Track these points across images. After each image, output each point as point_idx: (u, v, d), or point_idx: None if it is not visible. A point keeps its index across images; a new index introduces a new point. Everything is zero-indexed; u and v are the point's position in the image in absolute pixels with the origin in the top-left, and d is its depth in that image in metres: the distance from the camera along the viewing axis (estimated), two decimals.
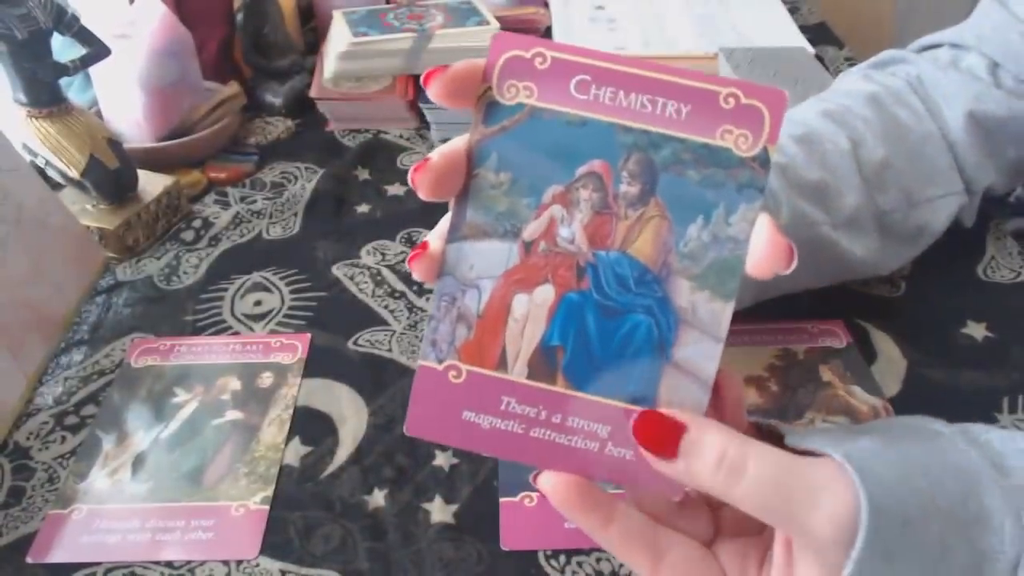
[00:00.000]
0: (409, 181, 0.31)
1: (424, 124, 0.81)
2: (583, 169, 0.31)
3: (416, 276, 0.32)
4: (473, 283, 0.32)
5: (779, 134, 0.30)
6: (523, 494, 0.45)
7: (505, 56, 0.31)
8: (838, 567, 0.29)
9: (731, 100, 0.30)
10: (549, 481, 0.31)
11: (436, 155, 0.31)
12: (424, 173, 0.30)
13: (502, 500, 0.45)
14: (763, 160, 0.30)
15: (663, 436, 0.30)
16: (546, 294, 0.32)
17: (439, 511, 0.45)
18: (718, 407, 0.32)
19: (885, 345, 0.54)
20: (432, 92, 0.31)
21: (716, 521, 0.35)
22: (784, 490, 0.29)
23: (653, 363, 0.31)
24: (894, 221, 0.54)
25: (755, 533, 0.34)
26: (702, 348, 0.31)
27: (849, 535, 0.29)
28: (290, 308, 0.59)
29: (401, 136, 0.80)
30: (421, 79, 0.31)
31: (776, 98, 0.30)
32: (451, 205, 0.32)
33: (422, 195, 0.31)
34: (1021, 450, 0.32)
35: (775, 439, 0.32)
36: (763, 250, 0.30)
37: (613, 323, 0.31)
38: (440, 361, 0.31)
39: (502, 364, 0.31)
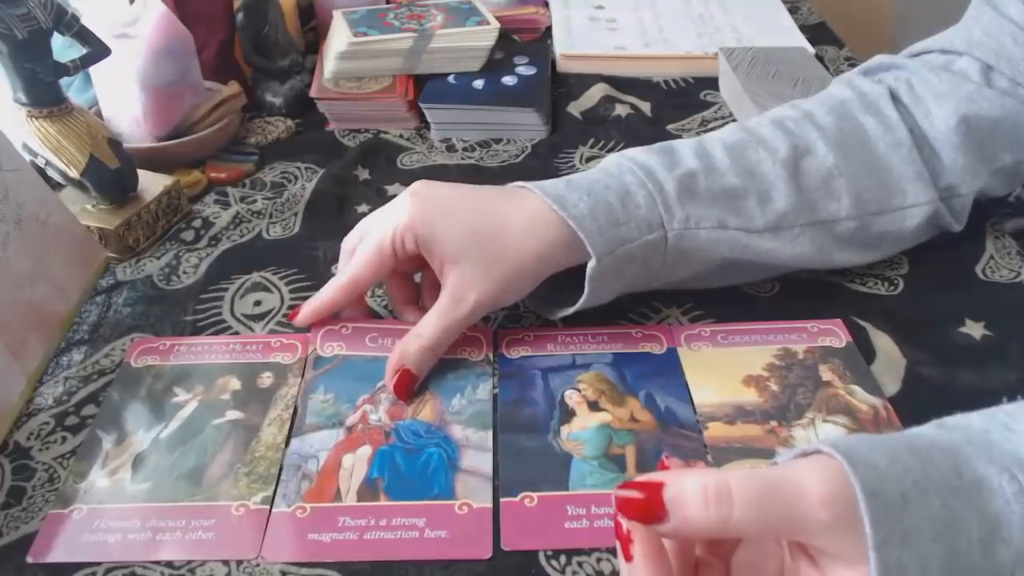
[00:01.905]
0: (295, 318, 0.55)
1: (424, 124, 0.81)
2: (380, 384, 0.52)
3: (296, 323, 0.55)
4: (313, 455, 0.48)
5: (491, 347, 0.54)
6: (523, 494, 0.45)
7: (322, 330, 0.55)
8: (862, 562, 0.29)
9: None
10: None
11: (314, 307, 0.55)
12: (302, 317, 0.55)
13: (502, 500, 0.45)
14: (489, 360, 0.53)
15: (648, 503, 0.31)
16: (365, 450, 0.48)
17: None
18: None
19: (884, 344, 0.54)
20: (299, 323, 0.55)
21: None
22: (773, 493, 0.30)
23: (447, 473, 0.46)
24: (848, 228, 0.55)
25: None
26: (479, 458, 0.47)
27: (847, 513, 0.29)
28: (290, 308, 0.59)
29: (401, 136, 0.80)
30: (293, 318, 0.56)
31: (484, 331, 0.56)
32: (297, 416, 0.50)
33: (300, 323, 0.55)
34: (1003, 423, 0.33)
35: None
36: None
37: (415, 456, 0.48)
38: (289, 506, 0.45)
39: (337, 498, 0.45)
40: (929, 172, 0.57)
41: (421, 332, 0.51)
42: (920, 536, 0.29)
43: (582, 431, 0.49)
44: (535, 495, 0.45)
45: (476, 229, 0.50)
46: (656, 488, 0.31)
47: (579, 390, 0.51)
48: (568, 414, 0.50)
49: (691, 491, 0.31)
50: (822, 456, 0.31)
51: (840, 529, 0.29)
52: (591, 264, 0.50)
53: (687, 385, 0.51)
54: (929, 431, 0.35)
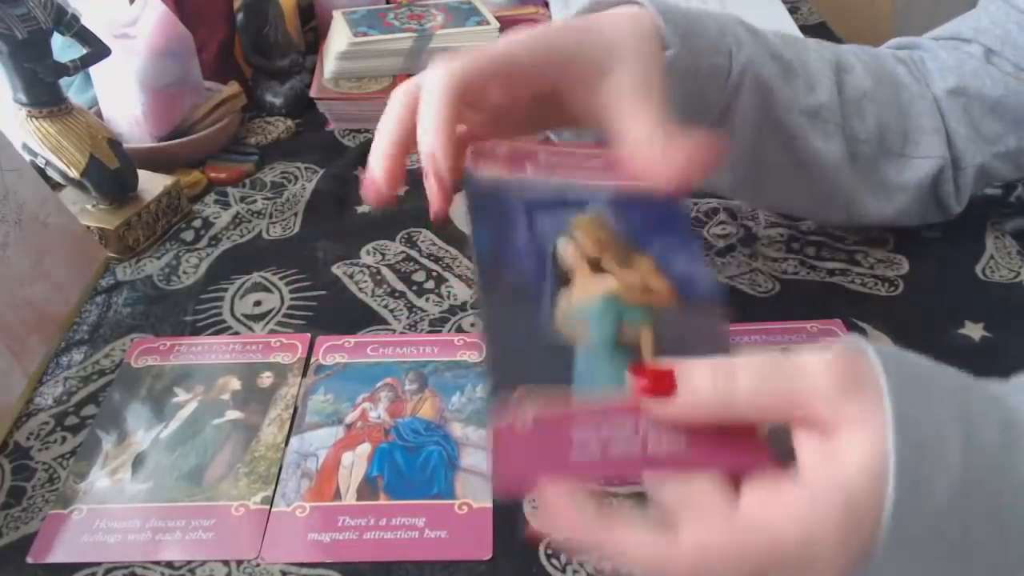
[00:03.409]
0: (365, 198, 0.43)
1: None
2: (380, 384, 0.52)
3: (368, 203, 0.44)
4: (312, 453, 0.48)
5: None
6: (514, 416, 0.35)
7: (325, 345, 0.55)
8: (870, 420, 0.29)
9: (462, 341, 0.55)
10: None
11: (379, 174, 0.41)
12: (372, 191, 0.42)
13: (496, 426, 0.33)
14: None
15: (659, 380, 0.32)
16: (365, 448, 0.48)
17: None
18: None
19: (884, 345, 0.54)
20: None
21: None
22: (778, 366, 0.31)
23: (447, 472, 0.47)
24: (865, 153, 0.56)
25: None
26: (479, 456, 0.47)
27: (853, 372, 0.30)
28: (290, 308, 0.59)
29: None
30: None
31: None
32: (296, 415, 0.50)
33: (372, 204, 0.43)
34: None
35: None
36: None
37: (415, 455, 0.48)
38: (289, 505, 0.45)
39: (337, 496, 0.45)
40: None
41: (648, 132, 0.41)
42: (936, 401, 0.30)
43: (583, 304, 0.36)
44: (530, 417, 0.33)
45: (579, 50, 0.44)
46: (668, 372, 0.32)
47: (575, 238, 0.38)
48: (564, 277, 0.37)
49: (700, 370, 0.31)
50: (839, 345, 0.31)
51: (847, 391, 0.29)
52: (669, 52, 0.45)
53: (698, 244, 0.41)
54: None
